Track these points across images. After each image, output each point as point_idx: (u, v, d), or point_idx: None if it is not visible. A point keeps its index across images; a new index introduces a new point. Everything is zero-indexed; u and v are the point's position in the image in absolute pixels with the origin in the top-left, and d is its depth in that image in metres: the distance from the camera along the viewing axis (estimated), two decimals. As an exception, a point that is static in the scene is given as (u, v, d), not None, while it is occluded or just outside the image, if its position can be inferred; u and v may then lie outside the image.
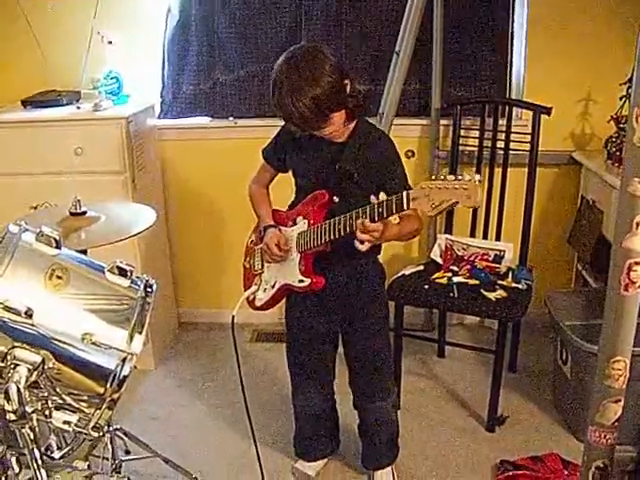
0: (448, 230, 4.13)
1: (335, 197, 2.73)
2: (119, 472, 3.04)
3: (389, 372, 3.13)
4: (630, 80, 3.80)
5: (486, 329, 4.63)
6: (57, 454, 2.09)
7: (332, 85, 2.49)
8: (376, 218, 2.44)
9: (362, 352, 3.03)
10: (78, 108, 4.05)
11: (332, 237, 2.62)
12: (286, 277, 2.85)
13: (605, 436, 2.16)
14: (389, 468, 3.26)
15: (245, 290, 3.05)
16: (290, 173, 2.95)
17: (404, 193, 2.35)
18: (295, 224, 2.83)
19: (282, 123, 2.80)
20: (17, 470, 2.01)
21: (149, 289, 2.04)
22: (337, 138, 2.70)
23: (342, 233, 2.57)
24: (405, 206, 2.34)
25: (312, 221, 2.74)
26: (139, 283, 2.04)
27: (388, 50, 4.15)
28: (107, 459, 3.03)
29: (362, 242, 2.49)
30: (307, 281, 2.76)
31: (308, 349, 3.10)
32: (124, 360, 1.88)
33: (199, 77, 4.38)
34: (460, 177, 2.25)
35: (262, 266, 2.99)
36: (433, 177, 2.31)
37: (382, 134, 2.87)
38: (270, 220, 2.94)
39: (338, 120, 2.60)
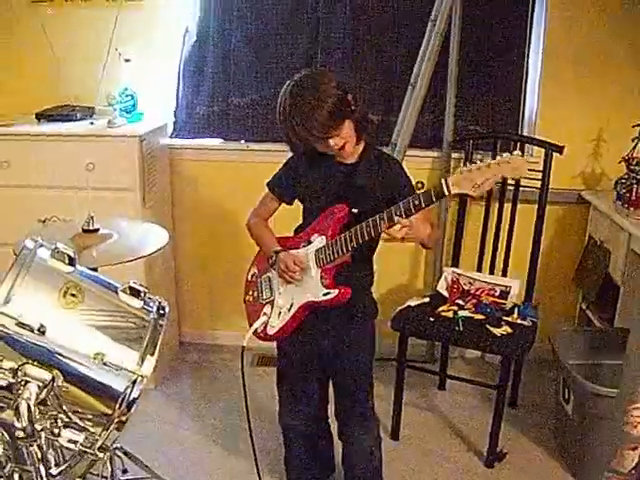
0: (455, 263, 4.12)
1: (354, 210, 2.73)
2: (117, 491, 3.02)
3: (369, 406, 3.08)
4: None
5: (487, 363, 4.62)
6: (54, 470, 2.07)
7: (338, 97, 2.57)
8: (413, 211, 2.47)
9: (344, 383, 3.02)
10: (92, 124, 4.05)
11: (357, 242, 2.63)
12: (306, 295, 2.82)
13: (622, 484, 2.14)
14: None
15: (251, 323, 3.00)
16: (297, 201, 2.96)
17: (442, 180, 2.40)
18: (310, 243, 2.82)
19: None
20: (20, 487, 1.99)
21: (162, 311, 2.03)
22: (348, 157, 2.75)
23: (372, 235, 2.59)
24: (446, 191, 2.40)
25: (330, 234, 2.73)
26: (152, 305, 2.03)
27: (403, 81, 4.17)
28: (105, 478, 3.00)
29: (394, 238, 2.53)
30: (334, 292, 2.74)
31: (295, 369, 3.09)
32: (134, 382, 1.87)
33: (213, 99, 4.39)
34: (499, 156, 2.33)
35: (272, 294, 2.96)
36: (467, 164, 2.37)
37: (391, 156, 2.93)
38: (278, 245, 2.92)
39: (347, 132, 2.64)
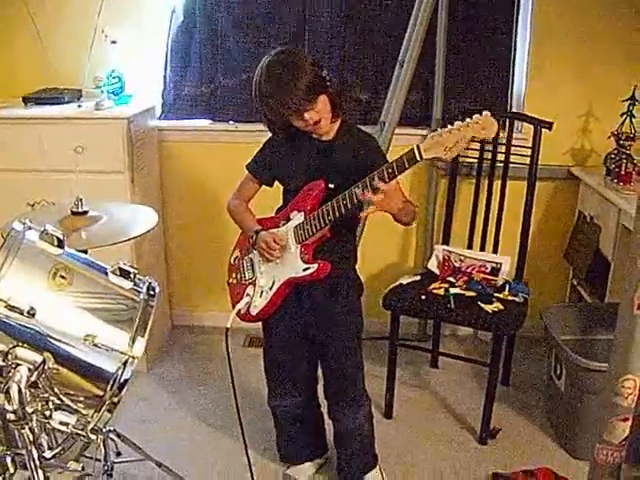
0: (445, 241, 4.12)
1: (330, 185, 2.75)
2: (110, 474, 3.02)
3: (360, 383, 3.08)
4: (632, 97, 3.82)
5: (479, 341, 4.63)
6: (48, 454, 2.06)
7: (313, 72, 2.61)
8: (387, 179, 2.49)
9: (333, 362, 3.02)
10: (79, 107, 4.02)
11: (334, 216, 2.65)
12: (288, 272, 2.83)
13: (612, 454, 2.14)
14: (375, 472, 3.24)
15: (235, 304, 3.01)
16: (276, 184, 2.98)
17: (414, 146, 2.43)
18: (289, 220, 2.84)
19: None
20: (12, 470, 1.99)
21: (152, 292, 2.03)
22: (323, 133, 2.78)
23: (348, 207, 2.61)
24: (418, 157, 2.42)
25: (309, 209, 2.76)
26: (141, 285, 2.03)
27: (391, 60, 4.15)
28: (99, 460, 3.00)
29: (369, 205, 2.56)
30: (313, 267, 2.76)
31: (284, 350, 3.09)
32: (125, 363, 1.87)
33: (201, 79, 4.37)
34: (469, 117, 2.35)
35: (254, 274, 2.98)
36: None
37: (367, 134, 2.93)
38: (258, 225, 2.95)
39: (323, 107, 2.67)
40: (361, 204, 2.63)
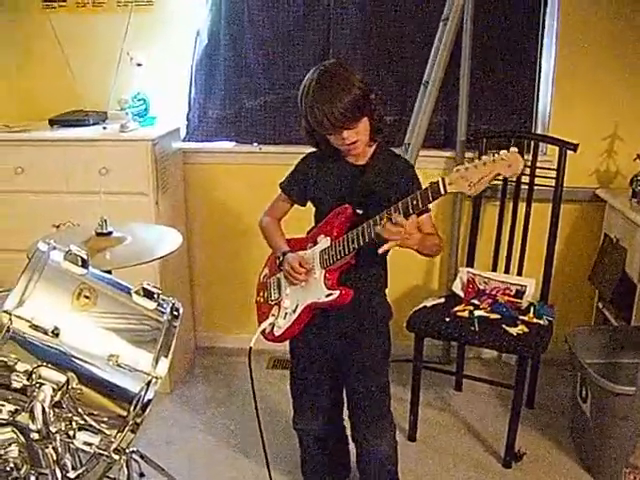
0: (470, 263, 4.11)
1: (358, 210, 2.73)
2: (134, 495, 3.02)
3: (385, 408, 3.05)
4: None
5: (503, 364, 4.61)
6: (72, 474, 2.07)
7: (362, 91, 2.59)
8: (410, 211, 2.44)
9: (358, 387, 2.99)
10: (104, 129, 4.06)
11: (359, 244, 2.61)
12: (311, 296, 2.81)
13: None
14: None
15: (260, 323, 3.00)
16: (309, 204, 2.97)
17: (439, 179, 2.37)
18: (316, 244, 2.82)
19: (305, 151, 2.90)
20: (36, 490, 2.00)
21: (175, 312, 2.04)
22: (357, 155, 2.76)
23: (370, 237, 2.56)
24: (442, 191, 2.36)
25: (335, 235, 2.73)
26: (165, 306, 2.03)
27: (415, 81, 4.16)
28: (122, 481, 3.01)
29: (387, 241, 2.51)
30: (335, 293, 2.72)
31: (308, 373, 3.07)
32: (149, 383, 1.87)
33: (225, 101, 4.40)
34: (495, 153, 2.29)
35: (280, 294, 2.96)
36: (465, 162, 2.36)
37: (404, 160, 2.91)
38: (286, 247, 2.93)
39: (363, 129, 2.65)
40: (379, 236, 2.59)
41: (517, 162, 2.29)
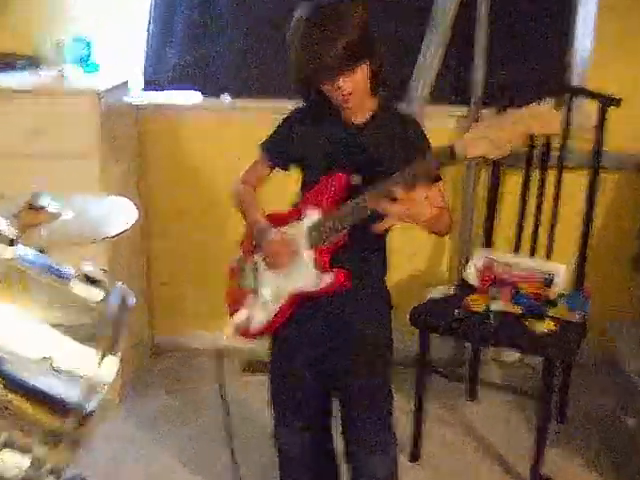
0: (486, 244, 4.11)
1: (354, 179, 2.70)
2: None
3: (386, 421, 3.04)
4: None
5: (527, 368, 4.60)
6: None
7: (363, 30, 2.58)
8: (418, 179, 2.42)
9: (353, 392, 2.98)
10: (38, 77, 4.03)
11: (354, 219, 2.60)
12: (297, 282, 2.79)
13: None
14: None
15: (233, 316, 2.96)
16: (293, 170, 2.95)
17: (455, 140, 2.34)
18: (302, 218, 2.79)
19: (290, 105, 2.88)
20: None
21: (126, 302, 2.01)
22: (357, 113, 2.75)
23: (368, 211, 2.54)
24: (459, 154, 2.34)
25: (326, 207, 2.71)
26: (113, 295, 2.01)
27: (420, 22, 4.13)
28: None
29: (385, 216, 2.48)
30: (329, 277, 2.71)
31: (292, 376, 3.04)
32: (91, 390, 1.85)
33: (189, 45, 4.37)
34: (525, 107, 2.26)
35: (257, 281, 2.95)
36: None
37: (410, 117, 2.91)
38: (264, 221, 2.89)
39: (360, 78, 2.62)
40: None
41: (554, 118, 2.26)
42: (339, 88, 2.61)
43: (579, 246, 3.92)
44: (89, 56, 4.21)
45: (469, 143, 2.32)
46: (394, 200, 2.43)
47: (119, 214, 2.93)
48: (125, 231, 2.82)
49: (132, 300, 2.04)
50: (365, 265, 2.86)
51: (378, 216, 2.51)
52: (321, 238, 2.70)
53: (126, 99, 4.30)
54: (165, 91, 4.46)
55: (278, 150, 2.94)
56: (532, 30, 4.20)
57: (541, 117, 2.25)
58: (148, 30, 4.36)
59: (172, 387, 4.49)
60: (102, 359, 1.85)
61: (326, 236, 2.69)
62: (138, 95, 4.45)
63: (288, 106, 2.88)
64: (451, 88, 4.33)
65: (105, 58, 4.34)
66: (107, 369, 1.85)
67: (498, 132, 2.28)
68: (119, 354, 1.87)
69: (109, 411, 4.12)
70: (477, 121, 4.00)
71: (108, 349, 1.87)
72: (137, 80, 4.46)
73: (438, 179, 2.68)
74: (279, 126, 2.94)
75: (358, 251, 2.80)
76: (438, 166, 2.41)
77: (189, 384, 4.51)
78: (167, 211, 4.64)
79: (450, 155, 2.35)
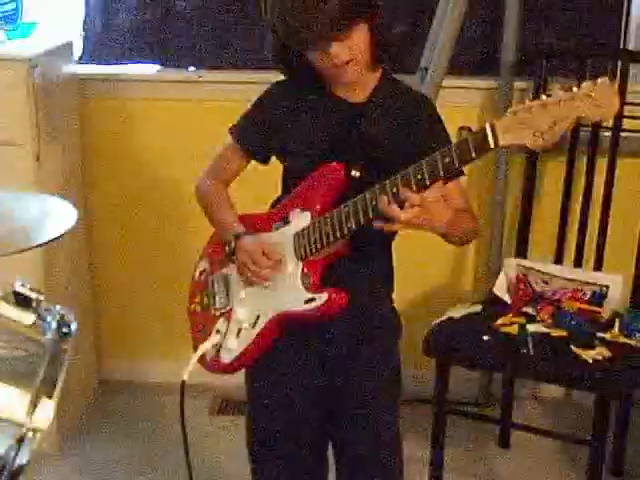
0: (521, 252, 4.12)
1: (354, 172, 2.68)
2: None
3: (394, 476, 3.04)
4: None
5: (575, 406, 4.61)
6: None
7: None
8: (441, 173, 2.39)
9: (352, 440, 2.96)
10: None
11: (357, 223, 2.56)
12: (281, 303, 2.76)
13: None
14: None
15: (198, 345, 2.95)
16: (274, 161, 2.93)
17: (487, 124, 2.32)
18: (287, 222, 2.77)
19: (270, 79, 2.88)
20: None
21: (65, 329, 2.01)
22: (354, 88, 2.73)
23: (376, 214, 2.51)
24: (492, 143, 2.32)
25: (318, 209, 2.68)
26: (50, 319, 2.01)
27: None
28: None
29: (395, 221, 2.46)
30: (321, 297, 2.65)
31: (276, 420, 3.02)
32: (21, 440, 1.84)
33: (144, 2, 4.37)
34: (575, 87, 2.24)
35: (229, 300, 2.92)
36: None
37: (420, 94, 2.92)
38: (240, 226, 2.86)
39: (358, 42, 2.58)
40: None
41: (611, 99, 2.23)
42: (331, 58, 2.58)
43: (638, 253, 3.92)
44: (17, 12, 4.19)
45: (506, 128, 2.30)
46: (402, 201, 2.43)
47: (54, 215, 2.92)
48: (61, 236, 2.81)
49: (74, 326, 2.04)
50: (367, 279, 2.85)
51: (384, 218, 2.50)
52: (313, 248, 2.68)
53: (65, 69, 4.28)
54: (114, 64, 4.44)
55: (254, 137, 2.90)
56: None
57: (596, 98, 2.23)
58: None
59: (125, 430, 4.48)
60: (35, 405, 1.85)
61: (319, 246, 2.65)
62: (83, 63, 4.43)
63: (269, 79, 2.88)
64: (475, 55, 4.31)
65: (41, 15, 4.32)
66: (42, 415, 1.85)
67: (541, 117, 2.27)
68: (56, 397, 1.87)
69: (46, 465, 4.10)
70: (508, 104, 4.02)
71: (43, 391, 1.86)
72: (80, 44, 4.44)
73: (459, 174, 2.63)
74: (254, 106, 2.92)
75: (358, 262, 2.78)
76: (466, 156, 2.37)
77: (145, 426, 4.51)
78: (117, 208, 4.64)
79: (479, 145, 2.33)
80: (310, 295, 2.68)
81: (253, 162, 2.95)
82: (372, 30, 2.62)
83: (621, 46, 4.28)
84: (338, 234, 2.61)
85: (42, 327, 1.98)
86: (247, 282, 2.83)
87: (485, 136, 2.31)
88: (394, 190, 2.43)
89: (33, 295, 1.99)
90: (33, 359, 1.92)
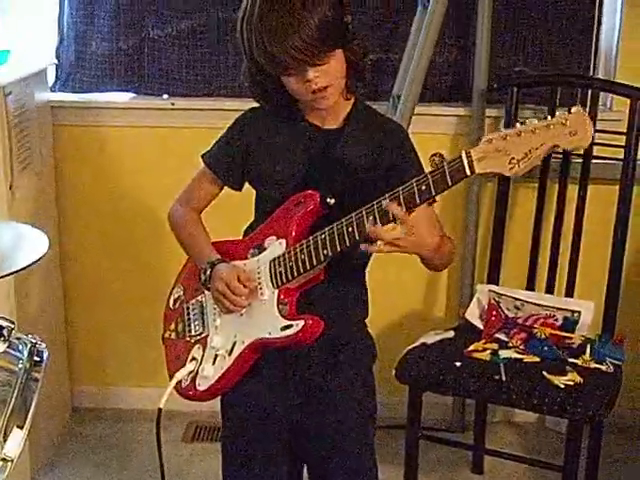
0: (493, 279, 4.12)
1: (329, 199, 2.68)
2: None
3: None
4: None
5: (547, 431, 4.61)
6: None
7: (336, 11, 2.55)
8: (417, 200, 2.39)
9: (329, 468, 2.94)
10: None
11: (334, 250, 2.56)
12: (257, 330, 2.74)
13: None
14: None
15: (173, 372, 2.93)
16: (247, 188, 2.92)
17: (463, 152, 2.32)
18: (263, 250, 2.77)
19: (243, 107, 2.89)
20: None
21: (37, 357, 2.00)
22: (328, 115, 2.74)
23: (356, 238, 2.50)
24: (468, 170, 2.32)
25: (294, 236, 2.67)
26: (21, 348, 2.00)
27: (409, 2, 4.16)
28: None
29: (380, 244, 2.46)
30: (297, 324, 2.64)
31: (251, 447, 3.00)
32: (-7, 470, 1.84)
33: (118, 30, 4.37)
34: (550, 116, 2.25)
35: (204, 327, 2.92)
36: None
37: (393, 121, 2.95)
38: (215, 253, 2.87)
39: (336, 68, 2.59)
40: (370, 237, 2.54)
41: (584, 127, 2.23)
42: (308, 82, 2.59)
43: (609, 279, 3.92)
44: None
45: (481, 155, 2.30)
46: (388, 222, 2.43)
47: (26, 244, 2.91)
48: (33, 264, 2.80)
49: (46, 355, 2.03)
50: (342, 306, 2.85)
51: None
52: (289, 275, 2.67)
53: (39, 96, 4.28)
54: (88, 92, 4.44)
55: (227, 164, 2.90)
56: (548, 11, 4.22)
57: (570, 126, 2.24)
58: (62, 8, 4.37)
59: (98, 458, 4.45)
60: (5, 435, 1.84)
61: (295, 273, 2.65)
62: (56, 91, 4.43)
63: (243, 107, 2.89)
64: (447, 82, 4.33)
65: (14, 42, 4.33)
66: (12, 445, 1.84)
67: (517, 145, 2.27)
68: (28, 425, 1.86)
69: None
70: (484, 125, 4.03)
71: (13, 420, 1.85)
72: (54, 72, 4.44)
73: (433, 200, 2.59)
74: (228, 132, 2.92)
75: (333, 288, 2.78)
76: (443, 183, 2.37)
77: (119, 454, 4.49)
78: (91, 237, 4.63)
79: (455, 172, 2.33)
80: (286, 322, 2.67)
81: (226, 188, 2.95)
82: (348, 56, 2.63)
83: (591, 74, 4.28)
84: (314, 261, 2.60)
85: (13, 356, 1.98)
86: (223, 309, 2.82)
87: (461, 163, 2.32)
88: (375, 214, 2.44)
89: (4, 324, 1.98)
90: (4, 388, 1.91)
